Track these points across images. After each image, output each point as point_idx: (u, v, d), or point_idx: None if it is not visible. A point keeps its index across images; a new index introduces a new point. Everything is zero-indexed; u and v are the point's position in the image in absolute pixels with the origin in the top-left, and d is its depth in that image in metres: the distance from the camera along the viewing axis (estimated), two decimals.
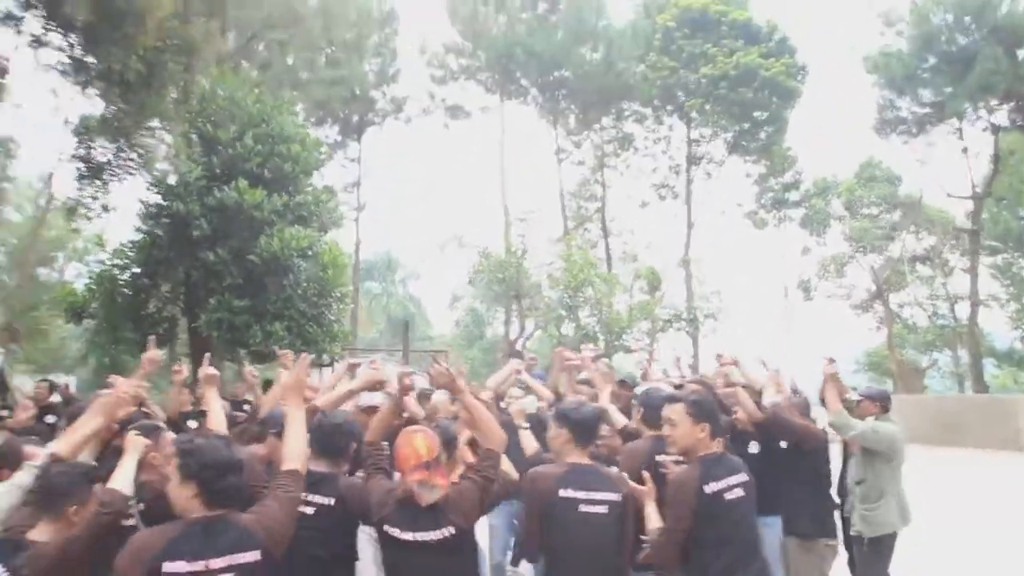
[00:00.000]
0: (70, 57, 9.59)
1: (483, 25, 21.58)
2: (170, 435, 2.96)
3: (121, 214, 13.40)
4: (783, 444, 4.04)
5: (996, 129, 23.57)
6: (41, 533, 2.47)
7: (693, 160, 24.36)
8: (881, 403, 4.56)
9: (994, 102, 23.01)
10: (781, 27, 22.36)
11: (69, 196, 12.37)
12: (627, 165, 26.77)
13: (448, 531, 2.60)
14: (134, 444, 2.75)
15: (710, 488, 2.88)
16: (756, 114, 22.90)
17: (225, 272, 11.46)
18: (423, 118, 23.33)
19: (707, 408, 3.07)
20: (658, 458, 3.25)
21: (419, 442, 2.66)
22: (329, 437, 2.95)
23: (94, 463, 2.93)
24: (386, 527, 2.65)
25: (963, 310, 25.89)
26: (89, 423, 2.88)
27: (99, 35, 8.56)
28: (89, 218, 12.45)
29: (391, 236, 63.83)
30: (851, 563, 4.55)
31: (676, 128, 25.25)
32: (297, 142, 12.55)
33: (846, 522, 4.44)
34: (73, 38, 9.14)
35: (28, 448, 3.13)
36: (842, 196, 26.45)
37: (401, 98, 22.00)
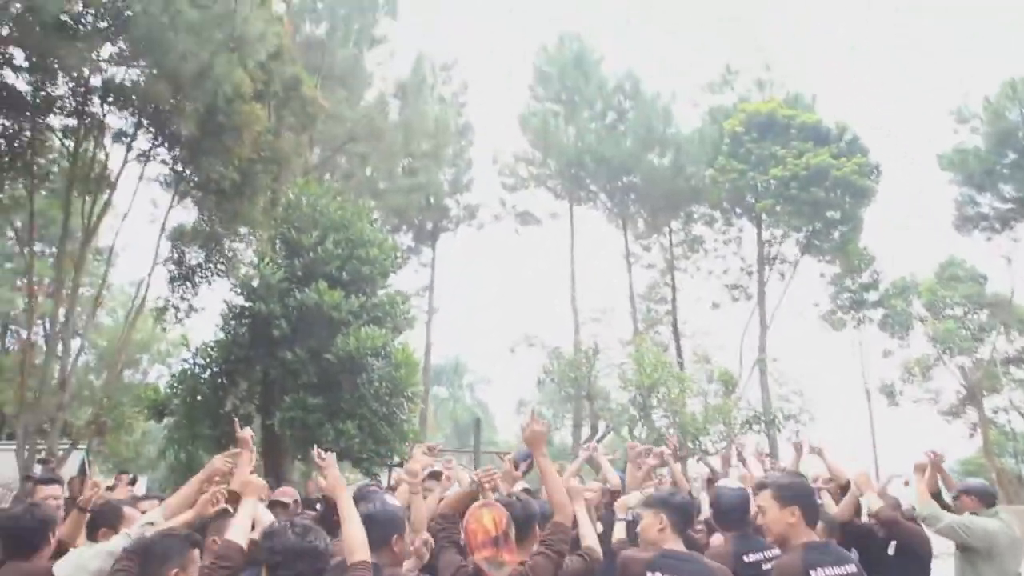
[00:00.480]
0: (172, 169, 10.38)
1: (553, 135, 22.36)
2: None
3: (206, 316, 14.03)
4: (891, 549, 3.72)
5: None
6: None
7: (766, 260, 24.03)
8: (981, 498, 4.17)
9: None
10: (851, 128, 22.40)
11: (159, 296, 13.03)
12: (697, 268, 26.69)
13: None
14: (253, 489, 2.75)
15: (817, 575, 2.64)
16: (829, 214, 22.61)
17: (302, 371, 11.75)
18: (494, 224, 24.03)
19: (796, 490, 2.86)
20: (745, 558, 3.03)
21: (487, 517, 2.59)
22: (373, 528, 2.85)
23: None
24: None
25: None
26: (189, 490, 2.91)
27: (201, 148, 9.25)
28: (178, 319, 13.05)
29: (461, 341, 64.56)
30: None
31: (746, 230, 25.21)
32: (375, 246, 13.10)
33: None
34: (177, 152, 9.91)
35: (128, 510, 3.15)
36: (923, 296, 25.49)
37: (474, 205, 22.80)
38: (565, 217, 25.14)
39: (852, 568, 2.76)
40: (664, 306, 27.39)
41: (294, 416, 11.50)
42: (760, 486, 2.93)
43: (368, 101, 16.88)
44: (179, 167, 10.55)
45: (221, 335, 12.64)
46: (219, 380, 12.60)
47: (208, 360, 12.53)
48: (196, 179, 9.99)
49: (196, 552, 2.56)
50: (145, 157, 10.43)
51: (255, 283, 12.20)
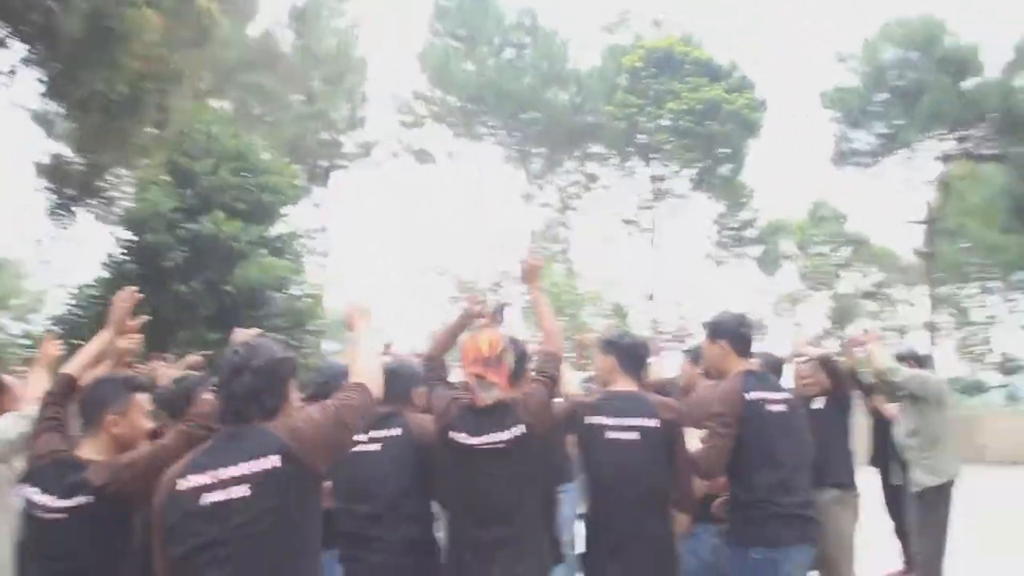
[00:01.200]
0: (49, 86, 9.41)
1: (453, 71, 21.95)
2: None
3: (87, 259, 13.09)
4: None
5: (946, 158, 24.54)
6: (88, 451, 2.27)
7: (659, 195, 24.81)
8: (918, 362, 4.54)
9: (942, 132, 24.00)
10: (740, 66, 23.24)
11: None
12: (591, 206, 27.28)
13: (519, 430, 2.47)
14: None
15: (751, 396, 2.84)
16: (719, 150, 23.53)
17: (198, 304, 11.20)
18: (391, 162, 23.47)
19: (724, 326, 3.08)
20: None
21: (483, 338, 2.58)
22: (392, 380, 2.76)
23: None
24: (450, 434, 2.52)
25: (912, 341, 26.54)
26: (97, 340, 2.72)
27: (86, 59, 8.41)
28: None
29: (361, 281, 62.86)
30: (899, 530, 4.57)
31: (639, 169, 25.87)
32: (275, 173, 12.54)
33: (893, 490, 4.47)
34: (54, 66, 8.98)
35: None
36: (795, 235, 27.19)
37: (370, 142, 22.11)
38: (463, 156, 24.99)
39: (787, 395, 2.95)
40: (558, 245, 27.96)
41: (191, 353, 11.01)
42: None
43: (260, 28, 15.94)
44: (55, 83, 9.53)
45: (105, 275, 11.84)
46: (103, 323, 11.86)
47: (90, 302, 11.68)
48: (76, 95, 9.08)
49: (138, 397, 2.38)
50: (12, 73, 9.41)
51: (143, 214, 11.43)
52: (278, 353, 1.96)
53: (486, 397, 2.50)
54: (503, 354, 2.59)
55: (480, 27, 23.19)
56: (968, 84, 22.44)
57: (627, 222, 25.31)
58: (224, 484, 1.75)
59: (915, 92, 22.95)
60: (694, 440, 2.89)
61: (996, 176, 24.51)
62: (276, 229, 12.68)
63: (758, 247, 27.48)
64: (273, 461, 1.78)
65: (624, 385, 2.88)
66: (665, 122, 22.42)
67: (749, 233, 27.54)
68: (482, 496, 2.51)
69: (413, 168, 24.22)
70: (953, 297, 25.53)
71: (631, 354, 2.93)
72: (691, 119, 21.40)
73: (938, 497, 4.20)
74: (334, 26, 20.20)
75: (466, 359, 2.57)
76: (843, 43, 25.92)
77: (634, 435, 2.72)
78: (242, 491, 1.74)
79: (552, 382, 2.64)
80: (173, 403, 2.78)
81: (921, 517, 4.30)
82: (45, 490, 2.14)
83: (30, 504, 2.15)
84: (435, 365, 2.87)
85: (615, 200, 25.83)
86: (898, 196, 26.78)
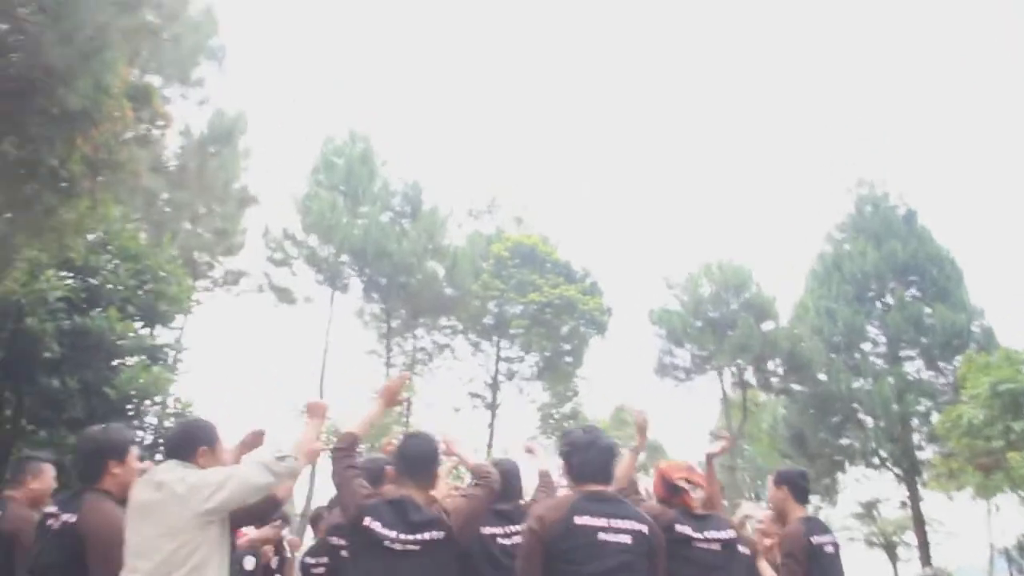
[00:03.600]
0: None
1: (335, 222, 22.74)
2: None
3: None
4: None
5: (745, 385, 28.60)
6: None
7: (509, 375, 26.30)
8: None
9: (740, 362, 28.16)
10: (592, 273, 26.42)
11: None
12: (434, 374, 28.15)
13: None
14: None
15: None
16: (563, 345, 25.82)
17: (68, 404, 10.29)
18: (255, 295, 23.13)
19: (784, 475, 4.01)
20: None
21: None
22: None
23: None
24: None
25: None
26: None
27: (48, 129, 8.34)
28: None
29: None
30: None
31: (488, 348, 27.50)
32: (174, 283, 12.26)
33: None
34: None
35: None
36: None
37: (238, 272, 21.84)
38: (321, 303, 25.21)
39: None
40: (399, 407, 28.19)
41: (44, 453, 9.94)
42: None
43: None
44: None
45: None
46: None
47: None
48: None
49: None
50: None
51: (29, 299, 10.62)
52: None
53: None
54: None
55: (366, 188, 24.57)
56: (766, 326, 26.99)
57: (473, 395, 26.31)
58: None
59: (726, 324, 27.14)
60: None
61: (779, 408, 28.93)
62: (161, 339, 12.21)
63: None
64: None
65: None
66: (521, 308, 24.45)
67: (568, 425, 29.56)
68: None
69: (273, 305, 23.99)
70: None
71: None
72: (550, 311, 23.63)
73: None
74: (229, 153, 20.56)
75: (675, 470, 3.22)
76: (672, 271, 30.36)
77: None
78: None
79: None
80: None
81: None
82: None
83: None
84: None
85: (463, 373, 26.97)
86: (704, 411, 30.52)
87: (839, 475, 27.33)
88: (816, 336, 26.57)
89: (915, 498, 24.28)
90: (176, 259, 13.78)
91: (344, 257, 23.31)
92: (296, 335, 35.62)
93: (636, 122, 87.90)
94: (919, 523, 24.06)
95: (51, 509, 3.06)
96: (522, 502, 3.59)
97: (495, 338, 27.00)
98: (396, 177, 25.87)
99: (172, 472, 2.73)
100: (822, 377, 26.88)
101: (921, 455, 24.35)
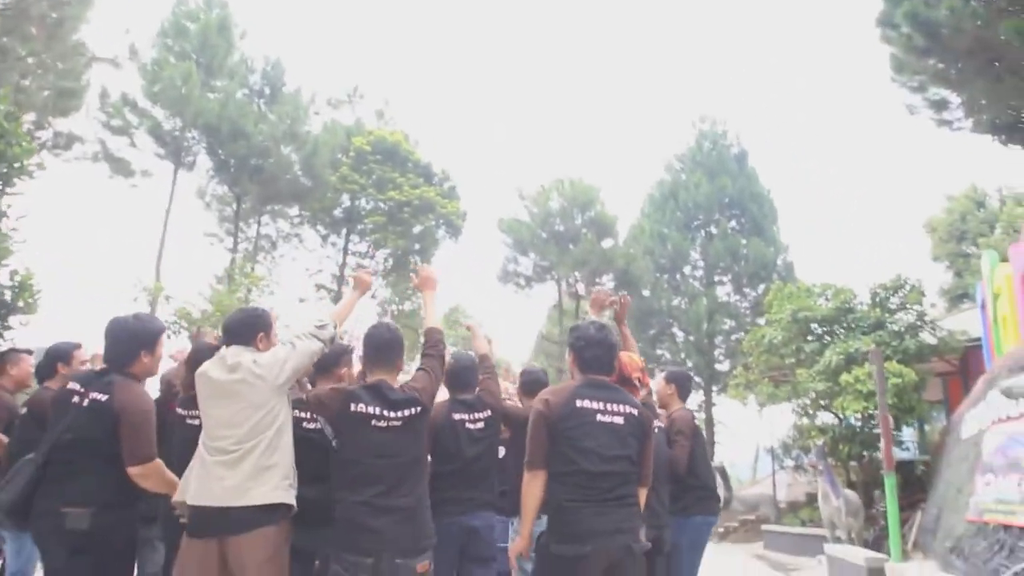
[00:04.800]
0: None
1: (188, 93, 21.10)
2: None
3: None
4: None
5: (579, 296, 30.83)
6: None
7: (355, 269, 26.32)
8: None
9: (577, 274, 30.24)
10: (452, 176, 26.73)
11: None
12: (277, 262, 27.58)
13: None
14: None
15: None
16: (418, 245, 26.23)
17: None
18: (89, 164, 21.17)
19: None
20: None
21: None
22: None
23: None
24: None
25: None
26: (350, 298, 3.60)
27: None
28: None
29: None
30: None
31: (338, 241, 27.29)
32: (15, 142, 11.19)
33: None
34: None
35: None
36: None
37: (75, 136, 19.83)
38: (161, 179, 23.63)
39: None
40: (241, 293, 27.45)
41: None
42: None
43: None
44: None
45: None
46: None
47: None
48: None
49: None
50: None
51: None
52: None
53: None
54: None
55: (222, 61, 22.89)
56: (606, 243, 29.00)
57: (319, 286, 26.18)
58: None
59: (569, 238, 28.87)
60: None
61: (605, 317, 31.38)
62: None
63: None
64: None
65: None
66: (378, 204, 24.40)
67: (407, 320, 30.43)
68: None
69: (107, 176, 22.12)
70: None
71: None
72: (408, 211, 23.78)
73: None
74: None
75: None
76: (524, 183, 31.37)
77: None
78: None
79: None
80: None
81: None
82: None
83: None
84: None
85: (311, 264, 26.69)
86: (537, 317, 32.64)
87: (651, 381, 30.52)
88: (647, 256, 29.01)
89: (708, 403, 27.88)
90: (15, 115, 12.52)
91: (193, 133, 21.84)
92: (132, 210, 32.95)
93: (501, 36, 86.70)
94: (709, 425, 27.80)
95: (74, 386, 3.26)
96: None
97: (344, 231, 26.81)
98: (256, 53, 24.26)
99: (241, 356, 3.11)
100: (646, 293, 29.57)
101: (719, 367, 27.91)
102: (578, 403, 3.13)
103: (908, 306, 13.93)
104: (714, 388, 27.99)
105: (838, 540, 9.80)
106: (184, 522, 3.06)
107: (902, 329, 13.25)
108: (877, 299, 14.10)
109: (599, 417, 3.12)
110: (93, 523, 3.02)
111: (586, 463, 3.05)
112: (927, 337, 13.27)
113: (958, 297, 29.42)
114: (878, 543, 10.59)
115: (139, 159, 22.37)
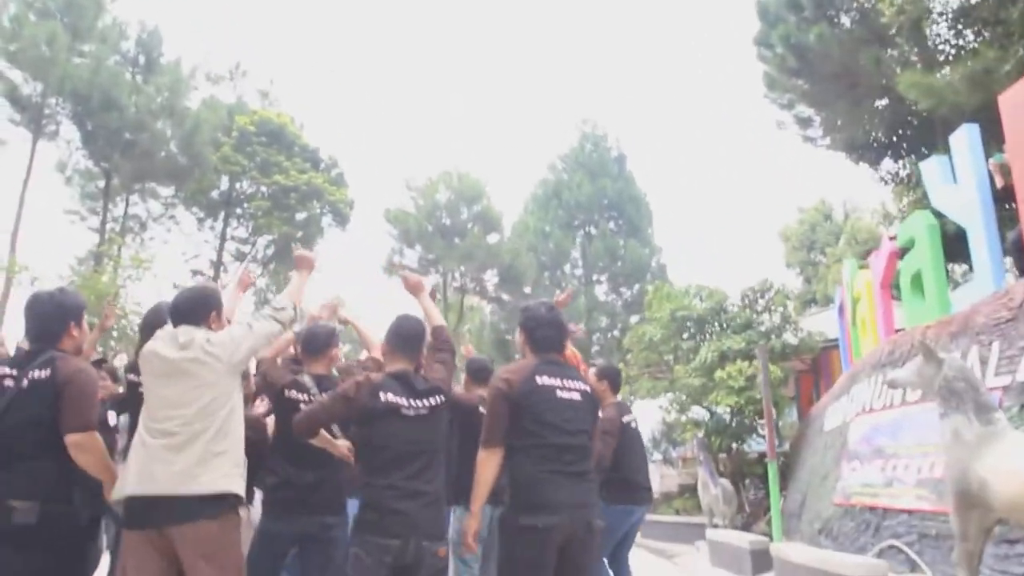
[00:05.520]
0: None
1: (50, 57, 19.37)
2: None
3: None
4: None
5: (464, 290, 31.09)
6: None
7: (239, 256, 25.25)
8: None
9: (463, 268, 30.50)
10: (339, 163, 26.11)
11: None
12: (145, 244, 25.93)
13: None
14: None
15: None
16: (298, 233, 25.43)
17: None
18: None
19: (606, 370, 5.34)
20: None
21: None
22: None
23: None
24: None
25: None
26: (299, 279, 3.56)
27: None
28: None
29: None
30: None
31: (216, 225, 26.02)
32: None
33: None
34: None
35: None
36: None
37: None
38: (17, 147, 21.61)
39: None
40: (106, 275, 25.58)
41: None
42: None
43: None
44: None
45: None
46: None
47: None
48: None
49: None
50: None
51: None
52: None
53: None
54: None
55: (89, 25, 21.18)
56: (492, 238, 29.39)
57: (195, 272, 24.82)
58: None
59: (455, 232, 29.02)
60: None
61: (487, 313, 31.96)
62: None
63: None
64: None
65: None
66: (260, 188, 23.47)
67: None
68: None
69: None
70: None
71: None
72: (295, 196, 23.00)
73: None
74: None
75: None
76: (412, 174, 31.16)
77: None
78: None
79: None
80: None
81: None
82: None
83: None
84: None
85: (187, 248, 25.25)
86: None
87: None
88: (531, 252, 29.67)
89: None
90: None
91: (57, 100, 20.09)
92: None
93: (390, 25, 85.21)
94: None
95: (3, 370, 2.99)
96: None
97: (223, 214, 25.61)
98: (129, 17, 22.62)
99: (192, 334, 2.94)
100: (527, 290, 30.23)
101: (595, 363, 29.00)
102: (538, 379, 3.19)
103: (773, 308, 15.18)
104: None
105: (715, 526, 10.57)
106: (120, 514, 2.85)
107: (769, 329, 14.43)
108: (747, 301, 15.26)
109: (559, 393, 3.20)
110: (43, 514, 2.79)
111: (553, 436, 3.12)
112: (789, 337, 14.52)
113: (807, 301, 32.14)
114: (747, 527, 11.52)
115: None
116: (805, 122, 16.10)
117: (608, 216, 31.12)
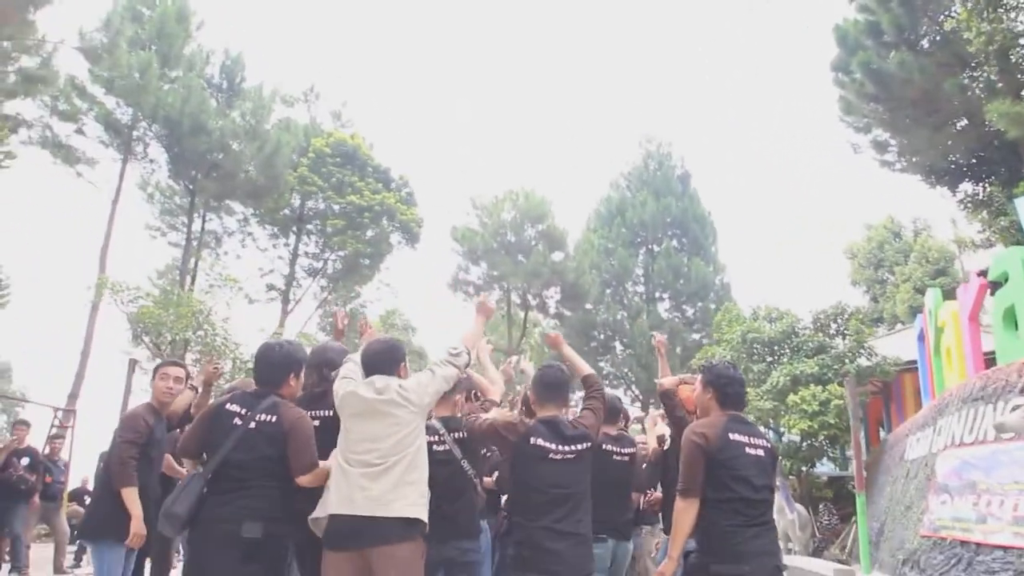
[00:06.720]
0: None
1: (142, 82, 20.59)
2: None
3: None
4: None
5: (528, 306, 31.39)
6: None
7: (311, 272, 26.18)
8: None
9: (526, 285, 30.79)
10: (410, 181, 26.86)
11: None
12: (221, 260, 27.05)
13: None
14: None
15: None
16: (368, 250, 26.22)
17: None
18: (27, 147, 20.31)
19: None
20: None
21: None
22: None
23: None
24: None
25: None
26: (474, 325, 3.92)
27: None
28: None
29: None
30: None
31: (290, 242, 27.02)
32: None
33: None
34: None
35: None
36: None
37: (20, 119, 19.05)
38: (108, 168, 22.98)
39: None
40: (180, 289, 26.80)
41: None
42: None
43: None
44: None
45: None
46: None
47: None
48: None
49: None
50: None
51: None
52: None
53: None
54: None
55: (177, 53, 22.42)
56: (556, 256, 29.65)
57: (270, 287, 25.85)
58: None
59: (519, 250, 29.38)
60: None
61: (547, 329, 32.14)
62: None
63: None
64: None
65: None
66: (335, 207, 24.33)
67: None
68: None
69: (51, 163, 21.33)
70: None
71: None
72: (368, 215, 23.78)
73: None
74: None
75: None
76: (478, 193, 31.70)
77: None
78: None
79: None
80: None
81: None
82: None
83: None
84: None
85: (263, 263, 26.31)
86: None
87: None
88: (594, 270, 29.84)
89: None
90: None
91: (148, 124, 21.30)
92: (72, 202, 31.45)
93: (456, 47, 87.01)
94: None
95: (233, 408, 3.46)
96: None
97: (294, 231, 26.58)
98: (214, 45, 23.84)
99: (387, 381, 3.37)
100: (588, 307, 30.38)
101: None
102: (731, 436, 3.42)
103: (847, 332, 15.03)
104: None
105: (790, 552, 10.54)
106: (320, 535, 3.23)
107: (842, 353, 14.30)
108: (819, 324, 15.16)
109: (747, 450, 3.42)
110: (265, 532, 3.23)
111: (744, 491, 3.32)
112: (863, 361, 14.36)
113: (875, 320, 31.36)
114: (818, 553, 11.45)
115: (86, 147, 21.64)
116: (881, 146, 15.96)
117: (672, 234, 31.10)
